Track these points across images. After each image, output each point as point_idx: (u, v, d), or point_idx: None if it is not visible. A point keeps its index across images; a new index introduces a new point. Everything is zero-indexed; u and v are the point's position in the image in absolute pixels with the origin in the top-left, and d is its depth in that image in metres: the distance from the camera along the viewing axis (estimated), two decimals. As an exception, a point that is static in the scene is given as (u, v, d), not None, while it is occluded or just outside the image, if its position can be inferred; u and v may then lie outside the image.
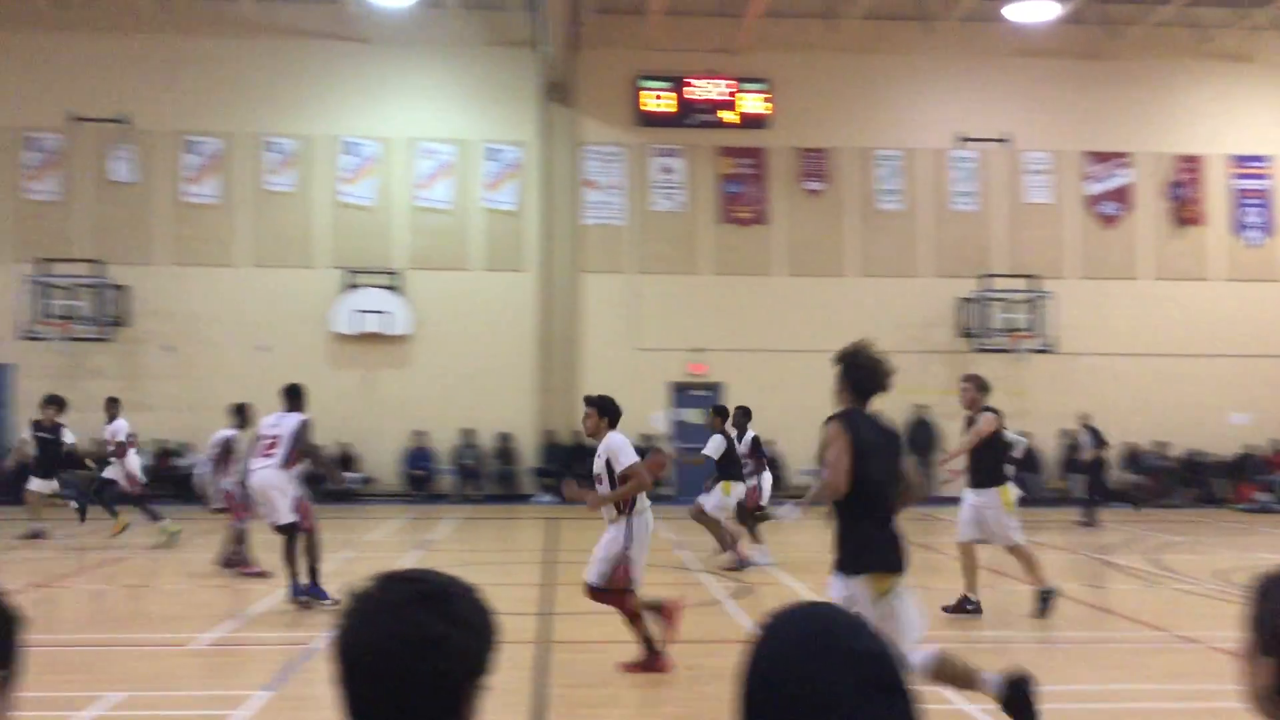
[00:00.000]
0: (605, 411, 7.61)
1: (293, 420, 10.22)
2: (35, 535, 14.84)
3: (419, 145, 23.01)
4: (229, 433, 12.84)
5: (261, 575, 11.47)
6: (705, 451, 12.71)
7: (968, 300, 22.93)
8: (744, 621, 9.23)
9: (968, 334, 22.85)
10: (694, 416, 21.47)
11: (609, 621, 7.70)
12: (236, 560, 11.89)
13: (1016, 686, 5.49)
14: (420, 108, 23.08)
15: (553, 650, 8.13)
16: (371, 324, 22.22)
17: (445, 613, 1.57)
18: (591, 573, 7.42)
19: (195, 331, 22.20)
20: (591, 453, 7.91)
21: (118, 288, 21.81)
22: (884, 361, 5.45)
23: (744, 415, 13.36)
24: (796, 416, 17.50)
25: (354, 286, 22.47)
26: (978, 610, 9.55)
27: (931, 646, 5.60)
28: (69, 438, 15.78)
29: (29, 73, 22.08)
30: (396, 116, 22.92)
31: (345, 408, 22.29)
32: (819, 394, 6.80)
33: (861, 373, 5.42)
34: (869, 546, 5.34)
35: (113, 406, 15.29)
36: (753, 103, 23.34)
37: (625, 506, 7.39)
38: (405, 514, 19.66)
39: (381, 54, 22.86)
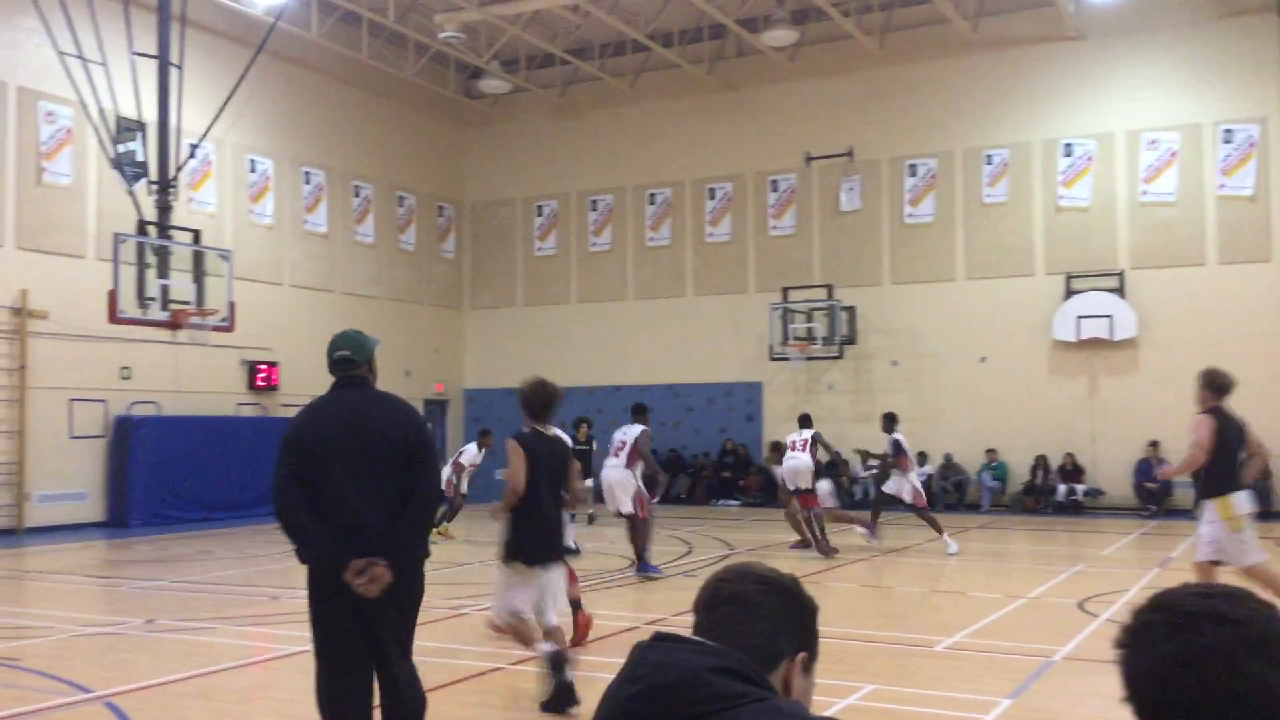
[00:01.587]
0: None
1: (635, 430, 13.17)
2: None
3: (1141, 137, 21.70)
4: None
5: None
6: None
7: None
8: None
9: None
10: None
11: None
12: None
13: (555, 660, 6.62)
14: (1142, 97, 21.75)
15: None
16: (1094, 329, 21.38)
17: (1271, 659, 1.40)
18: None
19: (917, 346, 23.18)
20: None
21: (847, 308, 23.56)
22: (544, 389, 7.21)
23: None
24: None
25: (1074, 292, 21.82)
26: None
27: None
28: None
29: (768, 122, 24.85)
30: (1116, 110, 21.86)
31: (1068, 417, 21.73)
32: None
33: (527, 397, 7.19)
34: (525, 539, 6.85)
35: (889, 422, 15.48)
36: None
37: None
38: (1139, 529, 18.56)
39: (1098, 49, 21.99)
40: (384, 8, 22.06)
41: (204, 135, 17.43)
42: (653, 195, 26.01)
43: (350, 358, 4.81)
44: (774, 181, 24.84)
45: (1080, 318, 21.52)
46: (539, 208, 27.26)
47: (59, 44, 15.64)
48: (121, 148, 16.17)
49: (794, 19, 23.03)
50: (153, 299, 15.12)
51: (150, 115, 16.31)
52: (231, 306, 16.31)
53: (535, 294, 27.21)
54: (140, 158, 16.28)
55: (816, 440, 14.97)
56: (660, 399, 25.28)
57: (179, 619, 10.15)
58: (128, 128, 16.34)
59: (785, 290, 23.95)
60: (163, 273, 15.28)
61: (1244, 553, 8.44)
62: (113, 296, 14.66)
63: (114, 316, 14.79)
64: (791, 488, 14.87)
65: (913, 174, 23.60)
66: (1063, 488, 21.44)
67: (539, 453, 6.98)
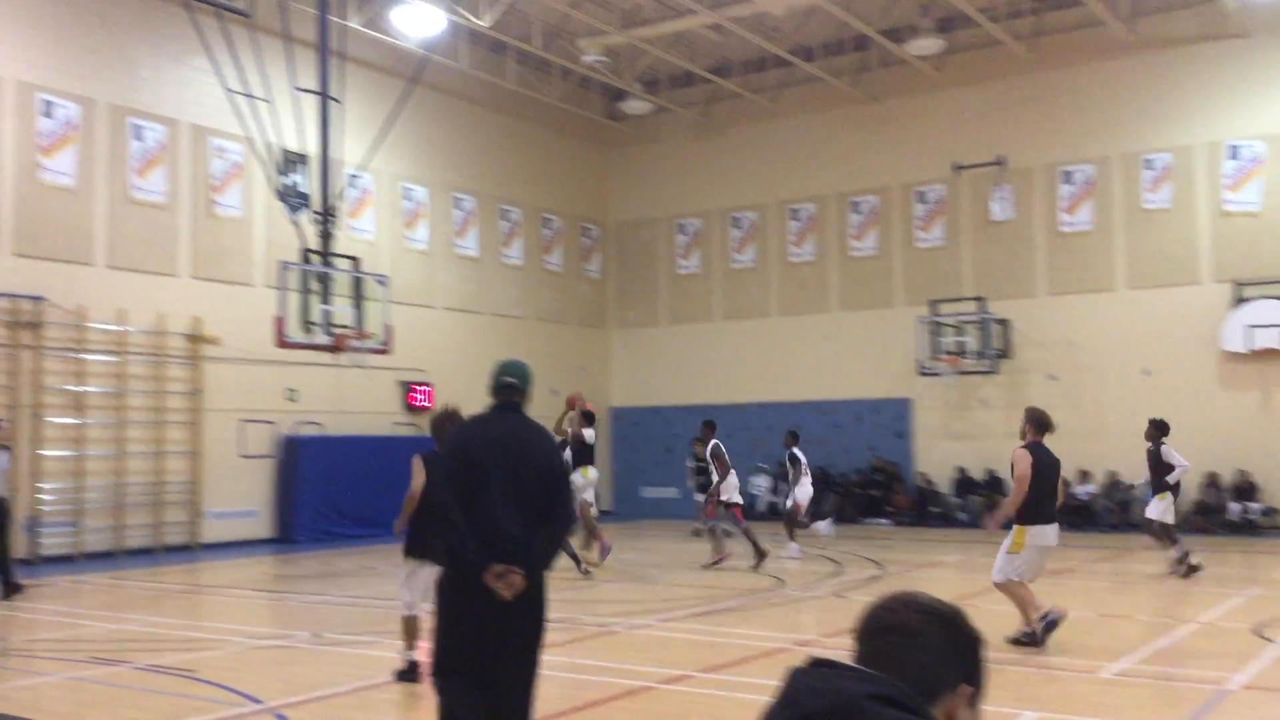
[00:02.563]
0: None
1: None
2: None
3: (1315, 136, 20.51)
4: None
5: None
6: None
7: None
8: None
9: None
10: None
11: None
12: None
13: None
14: (1314, 95, 20.57)
15: None
16: (1267, 339, 20.25)
17: None
18: None
19: (1075, 359, 22.36)
20: None
21: (1000, 321, 22.90)
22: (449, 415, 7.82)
23: None
24: None
25: (1244, 300, 20.73)
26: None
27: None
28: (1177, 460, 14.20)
29: (915, 132, 24.42)
30: (1285, 109, 20.74)
31: (1240, 431, 20.64)
32: None
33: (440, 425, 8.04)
34: (425, 539, 7.85)
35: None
36: None
37: None
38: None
39: (1262, 46, 20.91)
40: (529, 36, 22.59)
41: (362, 166, 18.14)
42: (796, 211, 25.85)
43: (517, 385, 5.27)
44: (921, 193, 24.38)
45: (1251, 327, 20.42)
46: (682, 226, 27.40)
47: (227, 83, 16.54)
48: (286, 180, 16.97)
49: (939, 27, 22.60)
50: (316, 324, 15.78)
51: (312, 148, 17.07)
52: (388, 330, 16.89)
53: (679, 312, 27.33)
54: (303, 189, 17.05)
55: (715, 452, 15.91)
56: (807, 416, 25.05)
57: (343, 632, 10.53)
58: (291, 160, 17.14)
59: (934, 303, 23.45)
60: (325, 298, 15.94)
61: (1004, 569, 9.38)
62: (279, 322, 15.35)
63: (281, 341, 15.49)
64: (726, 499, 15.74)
65: (1068, 181, 22.83)
66: (1235, 506, 20.36)
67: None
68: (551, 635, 10.07)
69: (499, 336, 25.05)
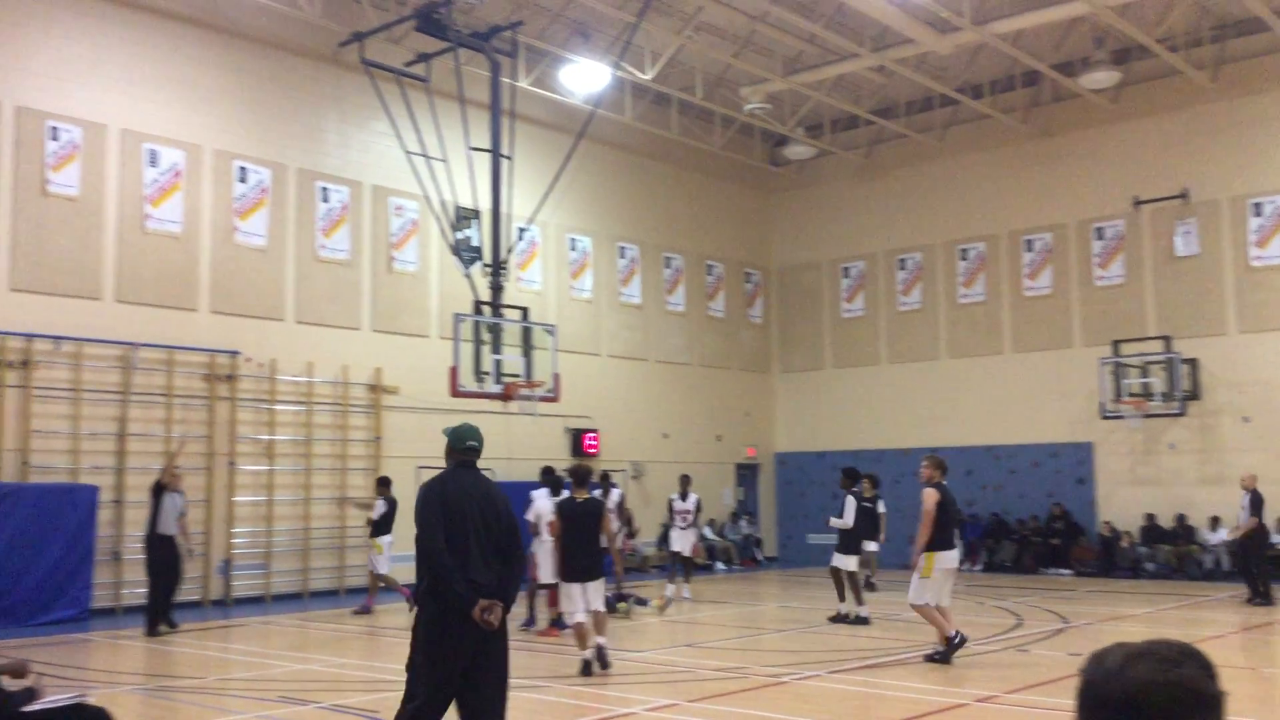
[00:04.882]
0: None
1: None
2: None
3: None
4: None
5: None
6: None
7: None
8: None
9: None
10: None
11: None
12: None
13: None
14: None
15: None
16: None
17: None
18: None
19: (1273, 400, 21.04)
20: None
21: (1187, 361, 21.77)
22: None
23: None
24: None
25: None
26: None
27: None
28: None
29: (1091, 167, 23.59)
30: None
31: None
32: None
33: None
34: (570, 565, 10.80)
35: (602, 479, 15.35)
36: None
37: None
38: None
39: None
40: (692, 86, 22.90)
41: (531, 219, 18.68)
42: (964, 250, 25.27)
43: (476, 447, 6.15)
44: (1099, 229, 23.49)
45: None
46: (846, 269, 27.13)
47: (406, 145, 17.33)
48: (459, 235, 17.58)
49: (1114, 59, 21.85)
50: (487, 373, 16.25)
51: (484, 203, 17.70)
52: (556, 378, 17.24)
53: (844, 356, 26.99)
54: (475, 243, 17.63)
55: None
56: (980, 460, 24.30)
57: (521, 677, 10.70)
58: (464, 216, 17.77)
59: (1116, 344, 22.47)
60: (496, 348, 16.40)
61: (921, 594, 10.99)
62: (453, 372, 15.87)
63: (455, 390, 16.00)
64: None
65: (1258, 213, 21.62)
66: None
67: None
68: (722, 685, 10.03)
69: (663, 383, 25.25)
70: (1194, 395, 21.70)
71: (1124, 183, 22.98)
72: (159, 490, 14.34)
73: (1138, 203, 22.79)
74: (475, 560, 5.75)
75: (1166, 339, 22.01)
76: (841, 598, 14.67)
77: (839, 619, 14.55)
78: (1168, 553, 21.39)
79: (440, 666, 5.67)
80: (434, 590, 5.75)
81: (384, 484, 16.98)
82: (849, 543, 14.86)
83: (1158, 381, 21.75)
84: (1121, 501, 22.58)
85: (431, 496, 5.93)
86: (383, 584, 16.66)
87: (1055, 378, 23.54)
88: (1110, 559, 22.12)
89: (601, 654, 10.74)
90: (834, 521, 15.16)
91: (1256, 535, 16.76)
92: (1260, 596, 16.36)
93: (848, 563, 14.73)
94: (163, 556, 14.17)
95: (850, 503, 15.12)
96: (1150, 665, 1.54)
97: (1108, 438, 22.81)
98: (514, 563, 5.99)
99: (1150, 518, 22.06)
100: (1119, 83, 22.25)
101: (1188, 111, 22.43)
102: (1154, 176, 22.62)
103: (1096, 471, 23.05)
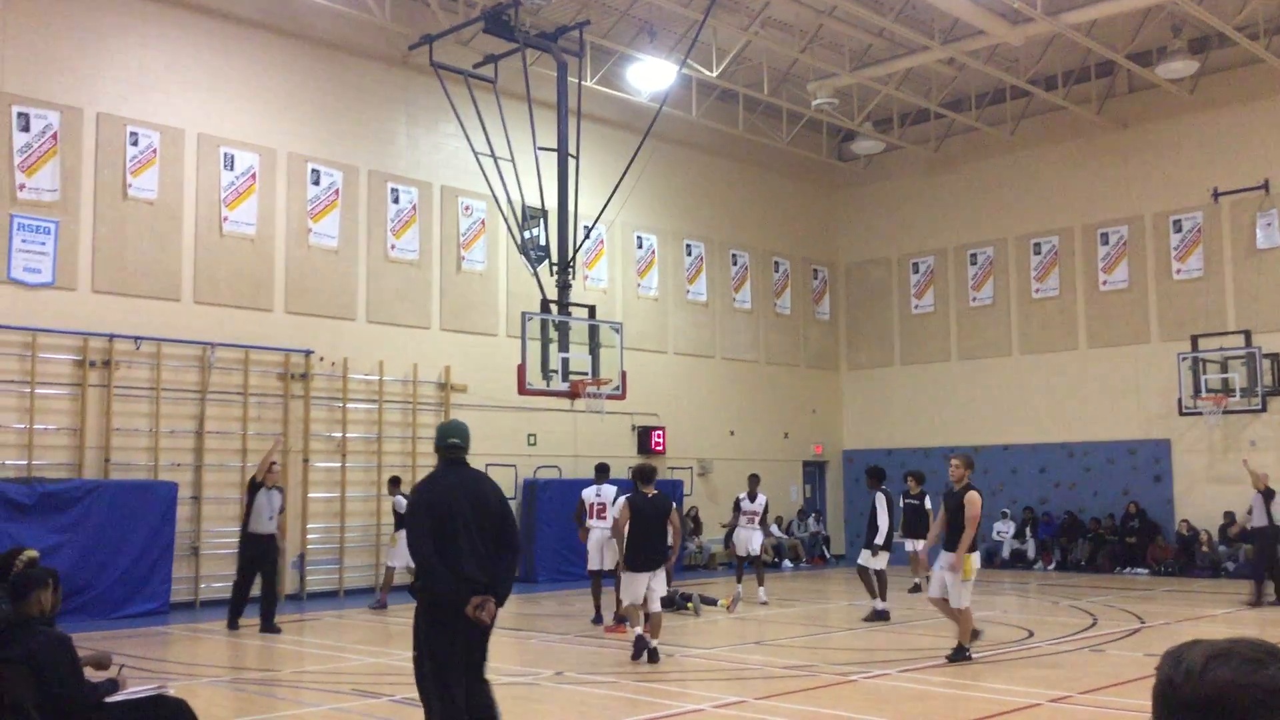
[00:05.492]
0: None
1: (610, 491, 14.38)
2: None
3: None
4: None
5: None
6: None
7: None
8: None
9: None
10: None
11: None
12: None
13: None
14: None
15: None
16: None
17: None
18: None
19: (1361, 396, 20.40)
20: None
21: (1270, 356, 21.20)
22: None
23: None
24: None
25: None
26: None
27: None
28: None
29: (1168, 158, 23.07)
30: None
31: None
32: None
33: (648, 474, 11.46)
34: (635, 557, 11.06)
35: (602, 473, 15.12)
36: None
37: None
38: None
39: None
40: (759, 83, 22.82)
41: (598, 217, 18.75)
42: (1038, 245, 24.85)
43: (460, 444, 6.24)
44: (1177, 221, 22.96)
45: None
46: (915, 265, 26.84)
47: (474, 145, 17.51)
48: (527, 234, 17.72)
49: (1192, 48, 21.35)
50: (554, 371, 16.34)
51: (551, 203, 17.81)
52: (623, 376, 17.29)
53: (913, 352, 26.70)
54: (543, 242, 17.75)
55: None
56: (1054, 458, 23.92)
57: (584, 672, 10.79)
58: (532, 216, 17.91)
59: (1195, 338, 21.95)
60: (563, 346, 16.49)
61: (966, 597, 11.03)
62: (521, 370, 16.00)
63: (522, 388, 16.12)
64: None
65: (1345, 203, 20.98)
66: None
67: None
68: (791, 682, 10.00)
69: (729, 380, 25.19)
70: (1276, 391, 21.13)
71: (1202, 174, 22.43)
72: (255, 488, 14.34)
73: (1217, 194, 22.24)
74: (466, 556, 5.87)
75: (1247, 333, 21.46)
76: (872, 595, 14.67)
77: (875, 616, 14.49)
78: (1248, 552, 20.82)
79: (443, 666, 5.88)
80: (425, 589, 5.97)
81: (394, 484, 16.93)
82: (876, 541, 14.85)
83: (1238, 377, 21.22)
84: (1199, 500, 22.06)
85: (418, 498, 6.07)
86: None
87: (1132, 373, 23.06)
88: (1188, 558, 21.62)
89: (652, 652, 10.93)
90: (881, 526, 15.16)
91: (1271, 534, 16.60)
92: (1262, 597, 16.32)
93: (875, 561, 14.78)
94: (250, 554, 14.23)
95: (881, 501, 15.14)
96: (1233, 666, 1.46)
97: (1185, 434, 22.30)
98: (508, 551, 6.08)
99: (1229, 516, 21.50)
100: (1197, 72, 21.72)
101: (1268, 100, 21.83)
102: (1234, 167, 22.05)
103: (1174, 469, 22.55)
